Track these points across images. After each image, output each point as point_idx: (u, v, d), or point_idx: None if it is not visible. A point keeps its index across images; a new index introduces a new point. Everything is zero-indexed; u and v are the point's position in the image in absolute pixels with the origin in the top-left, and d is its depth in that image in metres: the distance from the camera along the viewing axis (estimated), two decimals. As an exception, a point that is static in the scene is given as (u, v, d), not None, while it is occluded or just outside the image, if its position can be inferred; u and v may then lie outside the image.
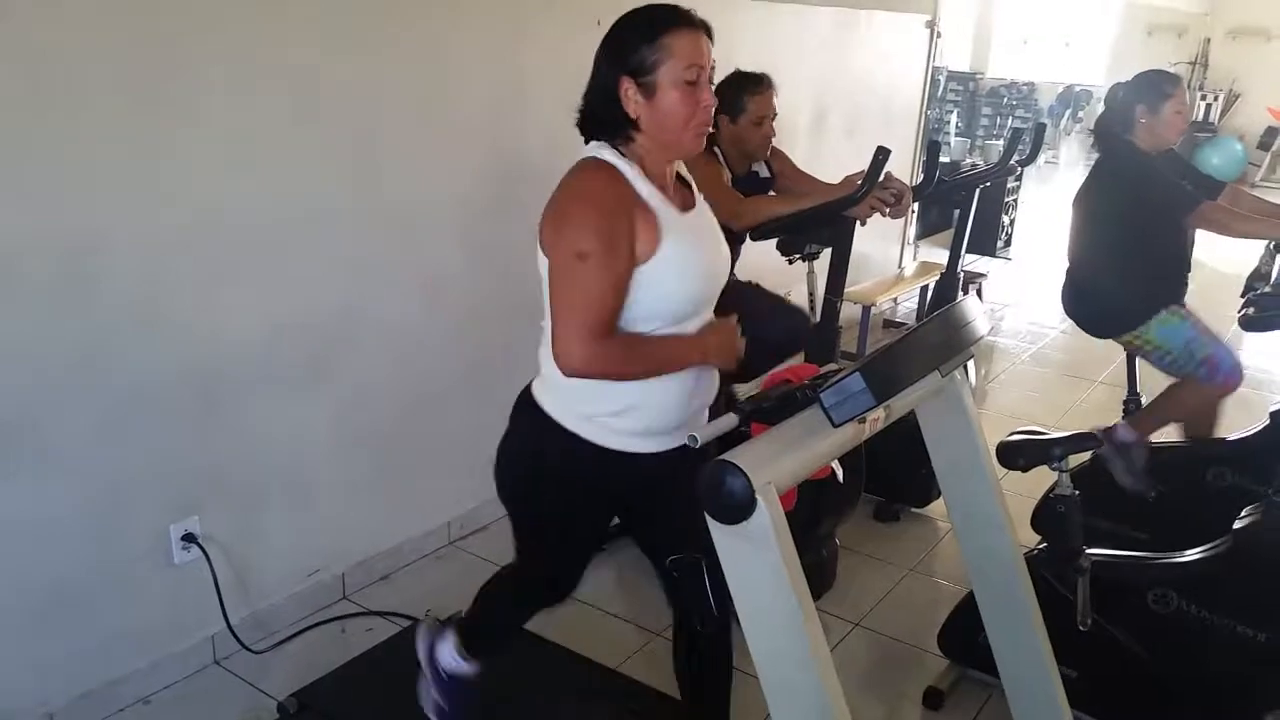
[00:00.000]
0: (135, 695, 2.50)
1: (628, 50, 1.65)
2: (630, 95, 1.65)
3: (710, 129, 1.73)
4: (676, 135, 1.68)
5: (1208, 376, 3.06)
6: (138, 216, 2.29)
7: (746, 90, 2.99)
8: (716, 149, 2.98)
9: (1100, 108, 3.26)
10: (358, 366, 2.88)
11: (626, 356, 1.68)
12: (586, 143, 1.74)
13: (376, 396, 2.95)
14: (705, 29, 1.68)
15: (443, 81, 2.94)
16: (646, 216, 1.66)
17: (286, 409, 2.72)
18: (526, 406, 1.82)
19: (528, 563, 2.06)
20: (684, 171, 1.86)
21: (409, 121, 2.86)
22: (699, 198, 1.85)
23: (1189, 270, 3.22)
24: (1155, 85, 3.11)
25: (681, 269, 1.70)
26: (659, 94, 1.64)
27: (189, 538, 2.54)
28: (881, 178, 2.88)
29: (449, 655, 2.18)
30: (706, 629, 1.88)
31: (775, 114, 3.05)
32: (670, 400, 1.76)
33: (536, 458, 1.84)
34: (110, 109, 2.19)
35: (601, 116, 1.70)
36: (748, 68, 3.06)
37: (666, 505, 1.79)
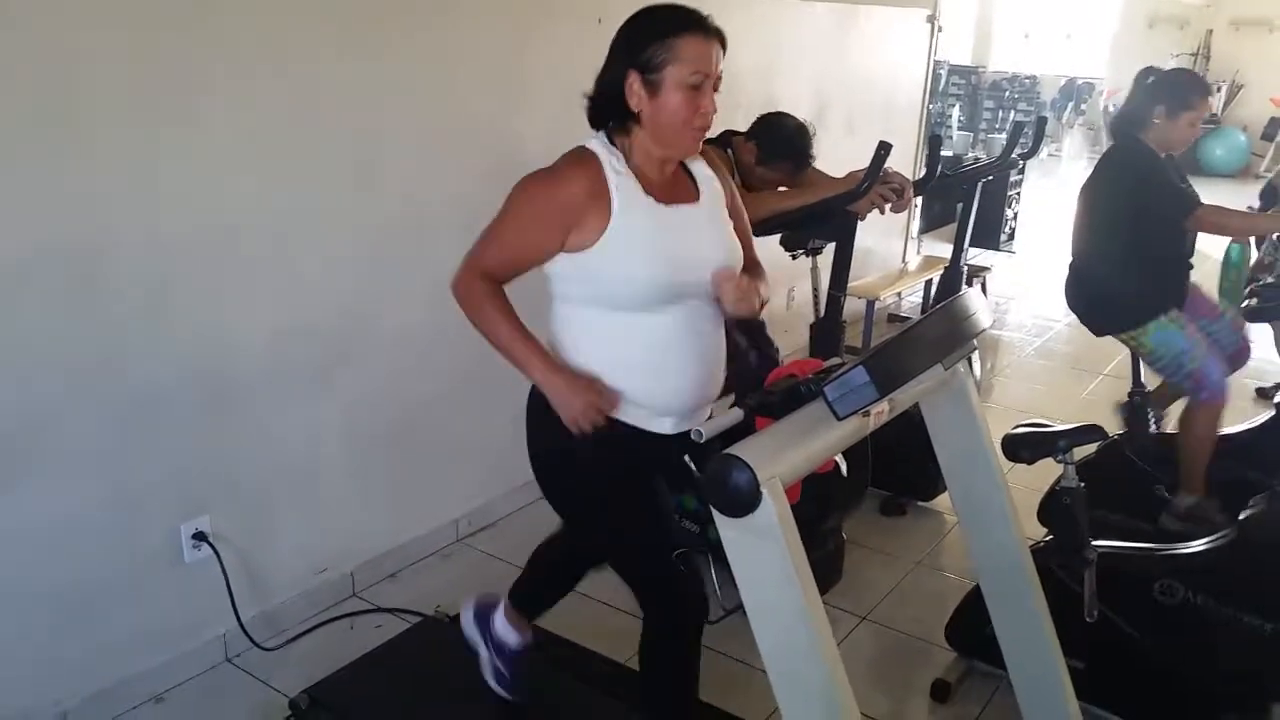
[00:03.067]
0: (148, 693, 2.52)
1: (638, 46, 1.68)
2: (635, 89, 1.68)
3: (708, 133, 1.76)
4: (673, 135, 1.71)
5: (1192, 389, 3.07)
6: (145, 221, 2.30)
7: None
8: (729, 148, 2.99)
9: (1101, 100, 3.26)
10: (365, 366, 2.89)
11: (481, 309, 1.77)
12: (593, 127, 1.78)
13: (384, 396, 2.96)
14: (719, 37, 1.70)
15: (446, 83, 2.95)
16: (600, 206, 1.69)
17: (295, 409, 2.73)
18: (538, 402, 1.83)
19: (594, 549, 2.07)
20: (700, 170, 1.87)
21: (412, 123, 2.87)
22: (707, 196, 1.85)
23: (1191, 268, 3.22)
24: (1181, 92, 3.06)
25: (633, 250, 1.70)
26: (662, 93, 1.67)
27: (200, 537, 2.55)
28: (883, 173, 2.89)
29: (501, 625, 2.24)
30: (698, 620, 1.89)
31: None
32: (661, 387, 1.79)
33: (566, 455, 1.83)
34: (115, 115, 2.21)
35: (606, 104, 1.74)
36: (750, 64, 3.06)
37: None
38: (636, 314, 1.74)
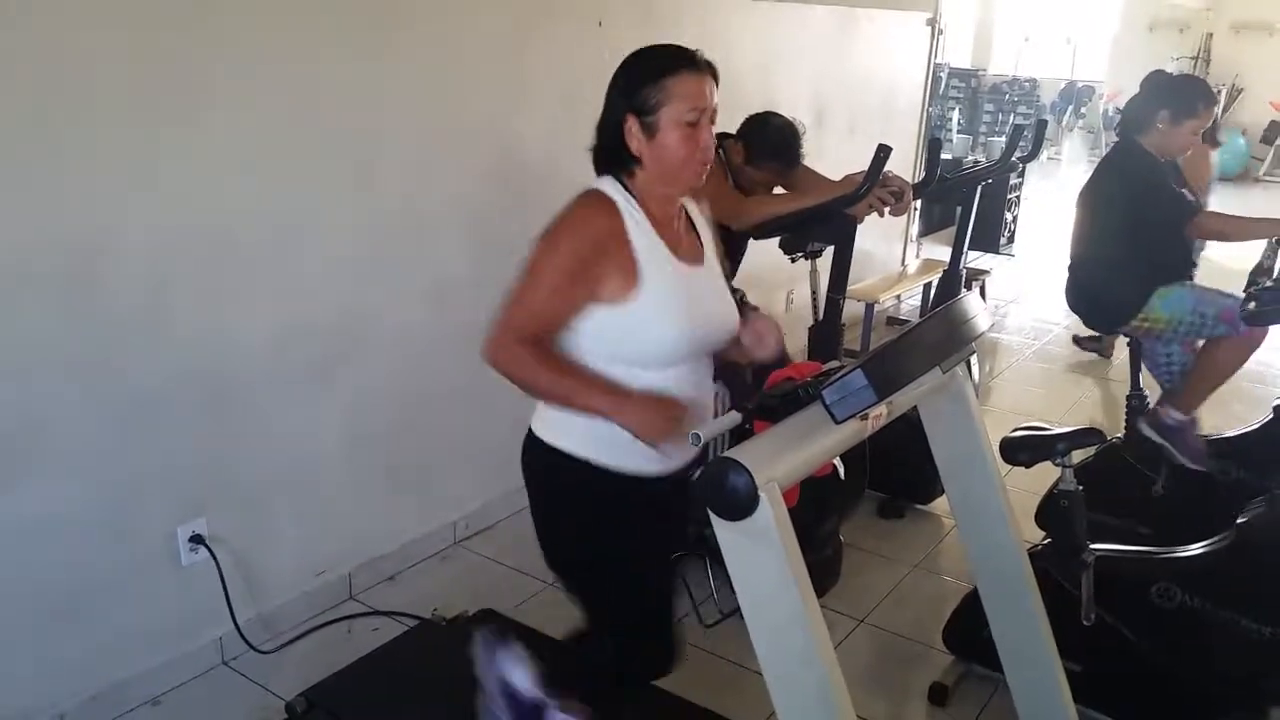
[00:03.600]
0: (144, 696, 2.52)
1: (632, 89, 1.68)
2: (634, 132, 1.68)
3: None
4: (675, 173, 1.71)
5: (1230, 329, 3.01)
6: (144, 220, 2.30)
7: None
8: (719, 151, 2.98)
9: (1101, 104, 3.27)
10: (363, 368, 2.89)
11: (536, 371, 1.69)
12: (599, 174, 1.76)
13: (382, 398, 2.96)
14: (711, 71, 1.70)
15: (445, 85, 2.95)
16: (625, 261, 1.67)
17: (293, 411, 2.73)
18: (533, 449, 1.82)
19: (609, 632, 1.96)
20: (695, 214, 1.86)
21: (412, 124, 2.87)
22: (709, 253, 1.85)
23: (1194, 267, 3.23)
24: (1187, 99, 3.06)
25: (659, 320, 1.70)
26: (660, 134, 1.67)
27: (196, 539, 2.55)
28: (882, 176, 2.89)
29: (522, 680, 2.00)
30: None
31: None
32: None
33: (569, 511, 1.82)
34: (115, 114, 2.21)
35: (609, 150, 1.73)
36: (750, 67, 3.06)
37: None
38: (646, 369, 1.73)
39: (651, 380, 1.72)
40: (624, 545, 1.82)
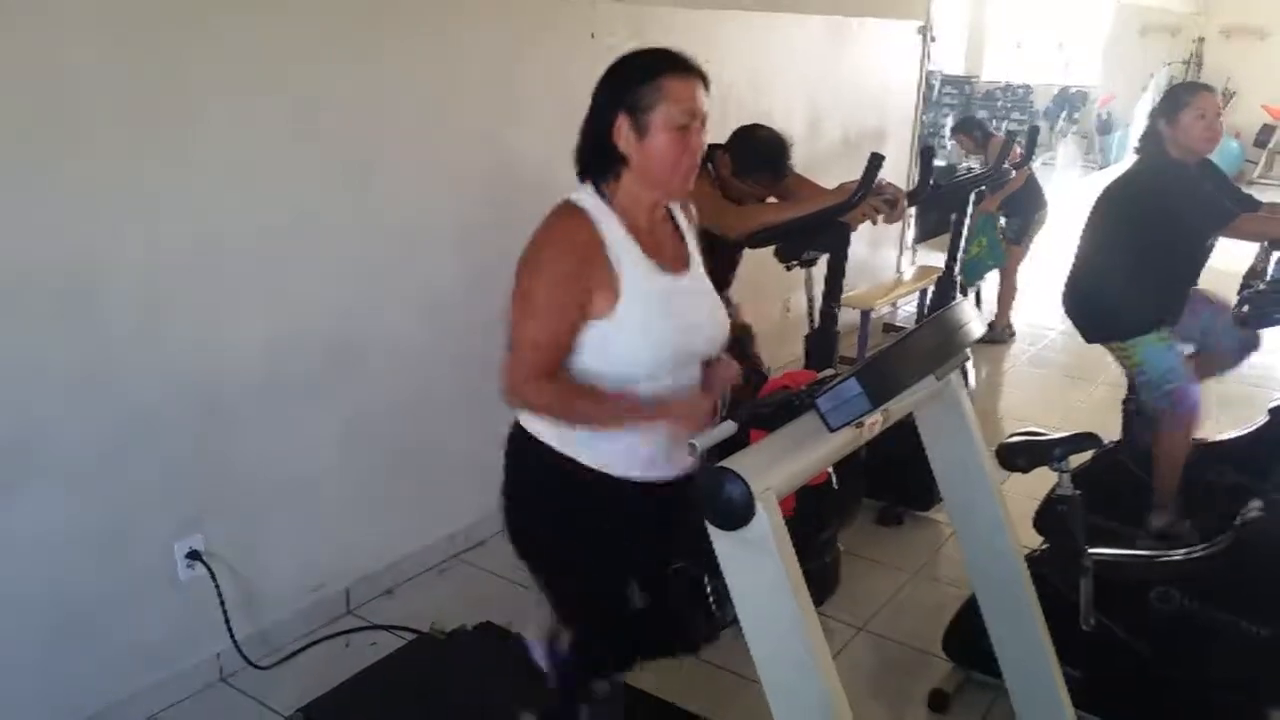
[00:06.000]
0: (142, 713, 2.51)
1: (625, 88, 1.66)
2: (623, 132, 1.66)
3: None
4: (664, 177, 1.69)
5: (1169, 406, 3.09)
6: (139, 234, 2.31)
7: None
8: (709, 164, 2.98)
9: (1094, 109, 3.29)
10: (359, 382, 2.89)
11: (566, 403, 1.70)
12: (581, 177, 1.75)
13: (378, 412, 2.96)
14: (702, 77, 1.69)
15: (441, 97, 2.96)
16: (604, 275, 1.66)
17: (289, 425, 2.73)
18: (518, 438, 1.82)
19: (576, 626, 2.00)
20: (681, 220, 1.85)
21: (408, 138, 2.88)
22: (695, 261, 1.84)
23: (1194, 285, 3.23)
24: (1172, 96, 3.12)
25: (643, 334, 1.69)
26: (650, 135, 1.65)
27: (193, 555, 2.55)
28: (876, 184, 2.89)
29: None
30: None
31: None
32: (645, 438, 1.75)
33: (541, 495, 1.83)
34: (110, 128, 2.21)
35: (594, 151, 1.71)
36: (742, 76, 3.07)
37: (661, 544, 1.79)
38: (638, 382, 1.72)
39: (645, 391, 1.71)
40: (586, 539, 1.81)
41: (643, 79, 1.65)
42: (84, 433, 2.29)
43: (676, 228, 1.84)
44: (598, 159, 1.71)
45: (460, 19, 2.97)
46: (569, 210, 1.70)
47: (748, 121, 3.09)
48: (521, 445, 1.81)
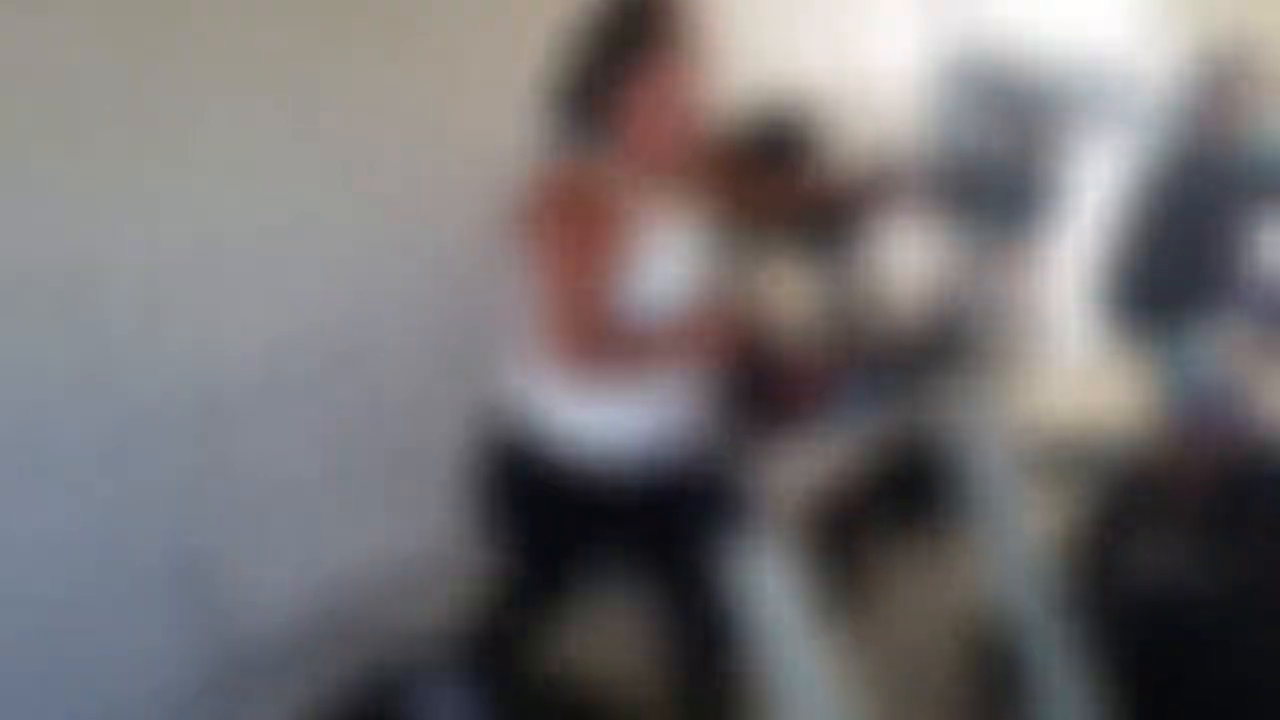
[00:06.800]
0: (140, 717, 2.48)
1: (622, 65, 1.71)
2: (618, 107, 1.71)
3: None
4: (657, 158, 1.72)
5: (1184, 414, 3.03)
6: (139, 234, 2.30)
7: None
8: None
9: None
10: (360, 382, 2.88)
11: (636, 356, 1.67)
12: (567, 151, 1.78)
13: (380, 416, 2.95)
14: (704, 63, 1.71)
15: (442, 97, 2.95)
16: (619, 228, 1.67)
17: (289, 425, 2.71)
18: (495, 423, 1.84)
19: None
20: (674, 203, 1.84)
21: (408, 138, 2.87)
22: (687, 240, 1.83)
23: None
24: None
25: (662, 286, 1.70)
26: (643, 115, 1.69)
27: (193, 555, 2.53)
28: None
29: None
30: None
31: None
32: (632, 424, 1.74)
33: (509, 474, 1.85)
34: (110, 128, 2.21)
35: (584, 124, 1.76)
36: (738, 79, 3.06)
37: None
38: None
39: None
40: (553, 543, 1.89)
41: (640, 59, 1.70)
42: (84, 433, 2.28)
43: (669, 207, 1.83)
44: (589, 132, 1.75)
45: (461, 18, 2.96)
46: (554, 167, 1.76)
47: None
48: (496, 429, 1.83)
